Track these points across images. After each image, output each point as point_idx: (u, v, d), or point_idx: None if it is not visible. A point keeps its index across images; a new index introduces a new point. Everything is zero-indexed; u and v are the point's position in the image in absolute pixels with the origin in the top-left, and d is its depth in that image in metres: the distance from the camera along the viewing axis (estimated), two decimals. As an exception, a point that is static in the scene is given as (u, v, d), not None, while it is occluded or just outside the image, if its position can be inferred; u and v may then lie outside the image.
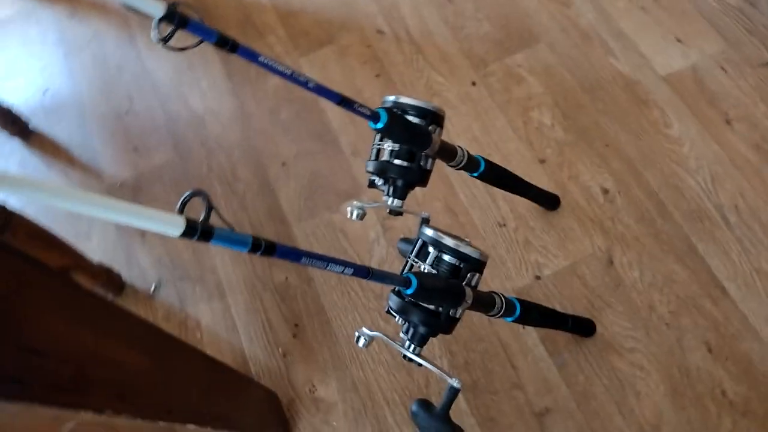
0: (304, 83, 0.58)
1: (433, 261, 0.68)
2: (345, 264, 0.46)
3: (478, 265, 0.68)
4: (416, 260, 0.69)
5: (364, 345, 0.69)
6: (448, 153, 0.78)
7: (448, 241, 0.67)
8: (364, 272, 0.48)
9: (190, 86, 1.42)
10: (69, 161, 1.37)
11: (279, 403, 1.07)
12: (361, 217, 0.73)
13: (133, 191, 1.32)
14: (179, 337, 1.17)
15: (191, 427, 0.66)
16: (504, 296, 0.73)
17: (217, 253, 1.23)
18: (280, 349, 1.12)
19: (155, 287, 1.21)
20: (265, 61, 0.54)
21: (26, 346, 0.42)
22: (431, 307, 0.65)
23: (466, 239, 0.72)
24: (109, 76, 1.48)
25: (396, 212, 0.78)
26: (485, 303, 0.68)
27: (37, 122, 1.42)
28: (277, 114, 1.36)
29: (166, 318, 1.19)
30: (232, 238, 0.36)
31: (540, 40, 1.33)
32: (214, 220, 0.44)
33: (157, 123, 1.40)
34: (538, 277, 1.11)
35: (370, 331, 0.69)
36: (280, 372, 1.11)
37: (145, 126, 1.39)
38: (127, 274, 1.23)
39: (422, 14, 1.41)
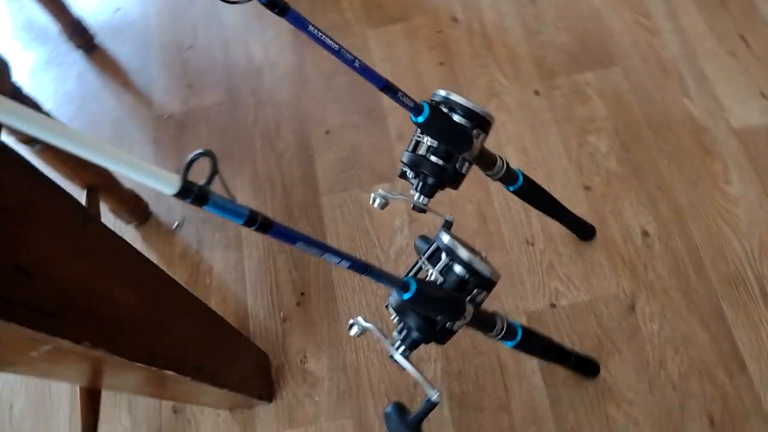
0: (351, 62, 0.56)
1: (443, 268, 0.65)
2: (343, 256, 0.44)
3: (487, 283, 0.65)
4: (426, 263, 0.67)
5: (356, 334, 0.68)
6: (486, 161, 0.75)
7: (462, 253, 0.64)
8: (361, 268, 0.46)
9: (255, 35, 1.42)
10: (124, 83, 1.39)
11: (269, 365, 1.08)
12: (383, 206, 0.72)
13: (178, 126, 1.33)
14: (190, 278, 1.19)
15: (170, 373, 0.66)
16: (507, 320, 0.71)
17: (244, 203, 1.23)
18: (281, 313, 1.13)
19: (178, 224, 1.22)
20: (314, 32, 0.52)
21: (15, 264, 0.42)
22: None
23: (482, 253, 0.70)
24: (179, 8, 1.49)
25: (420, 209, 0.76)
26: (485, 323, 0.66)
27: (102, 38, 1.45)
28: (333, 81, 1.34)
29: (182, 256, 1.21)
30: (227, 208, 0.35)
31: (617, 63, 1.27)
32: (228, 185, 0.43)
33: (216, 64, 1.40)
34: (553, 305, 1.07)
35: (366, 321, 0.68)
36: (276, 335, 1.11)
37: (203, 64, 1.40)
38: (154, 205, 1.25)
39: (501, 10, 1.36)
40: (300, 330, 1.11)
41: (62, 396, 1.09)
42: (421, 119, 0.61)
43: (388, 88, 0.58)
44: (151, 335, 0.63)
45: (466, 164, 0.74)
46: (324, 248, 0.42)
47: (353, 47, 1.36)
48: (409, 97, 0.60)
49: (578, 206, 1.12)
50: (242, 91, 1.35)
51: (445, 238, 0.66)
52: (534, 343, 0.77)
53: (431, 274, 0.66)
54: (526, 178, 0.84)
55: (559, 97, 1.25)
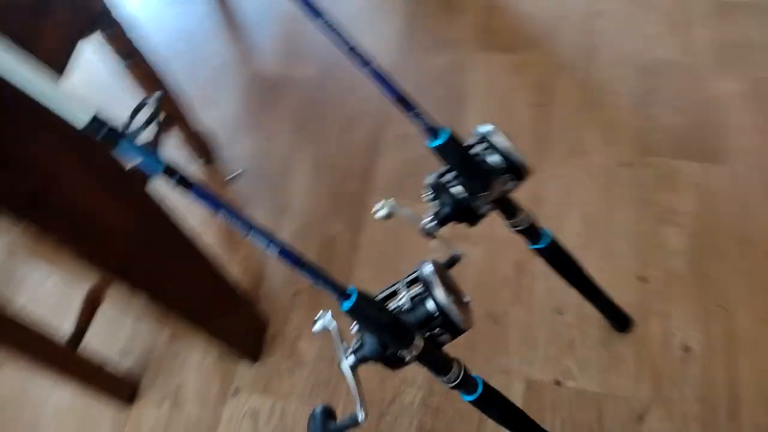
0: (364, 63, 0.55)
1: (415, 296, 0.63)
2: (272, 240, 0.44)
3: (453, 329, 0.62)
4: (404, 286, 0.65)
5: (316, 331, 0.67)
6: (507, 208, 0.72)
7: (438, 292, 0.61)
8: (294, 260, 0.45)
9: (369, 25, 1.45)
10: (237, 36, 1.48)
11: (265, 330, 1.10)
12: (386, 217, 0.71)
13: (268, 88, 1.40)
14: (226, 227, 1.24)
15: (143, 296, 0.70)
16: (467, 371, 0.67)
17: (301, 177, 1.27)
18: (295, 288, 1.15)
19: (236, 174, 1.28)
20: (328, 23, 0.52)
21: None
22: (382, 335, 0.61)
23: (467, 297, 0.66)
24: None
25: (427, 234, 0.74)
26: (438, 365, 0.63)
27: (236, -11, 1.55)
28: (426, 90, 1.34)
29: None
30: (142, 154, 0.35)
31: (725, 163, 1.14)
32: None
33: (323, 42, 1.43)
34: (558, 383, 1.00)
35: (331, 319, 0.67)
36: (282, 306, 1.13)
37: (311, 39, 1.46)
38: (225, 151, 1.32)
39: (621, 71, 1.28)
40: (305, 309, 1.13)
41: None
42: (435, 144, 0.59)
43: (402, 101, 0.56)
44: (130, 254, 0.66)
45: (487, 206, 0.71)
46: (249, 226, 0.42)
47: (453, 63, 1.36)
48: (426, 119, 0.59)
49: (625, 295, 1.03)
50: (337, 74, 1.39)
51: (427, 270, 0.64)
52: (496, 406, 0.72)
53: (402, 298, 0.64)
54: (554, 241, 0.79)
55: (648, 176, 1.16)
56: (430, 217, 0.73)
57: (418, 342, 0.59)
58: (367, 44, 1.39)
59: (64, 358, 0.85)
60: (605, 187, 1.16)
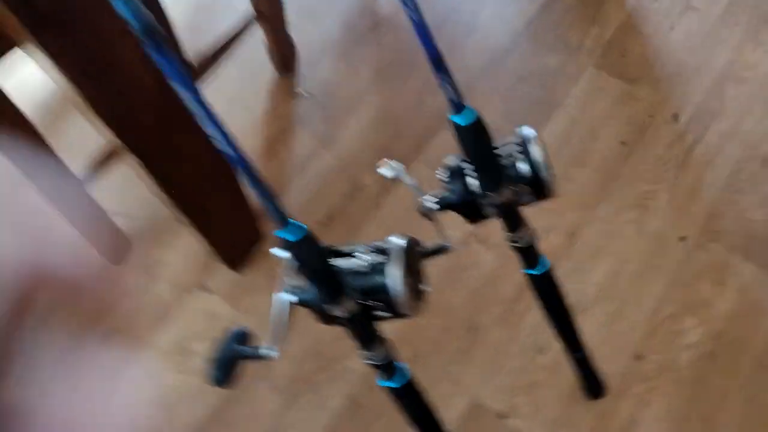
0: (413, 9, 0.50)
1: (376, 264, 0.61)
2: (231, 144, 0.42)
3: (394, 311, 0.60)
4: (367, 251, 0.63)
5: (273, 252, 0.66)
6: (511, 219, 0.67)
7: (393, 270, 0.59)
8: (246, 168, 0.44)
9: (498, 3, 1.38)
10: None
11: (254, 244, 1.10)
12: (389, 178, 0.68)
13: (369, 25, 1.36)
14: (270, 135, 1.24)
15: (138, 164, 0.71)
16: (394, 357, 0.65)
17: (360, 119, 1.25)
18: (301, 219, 1.15)
19: (305, 94, 1.28)
20: None
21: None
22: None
23: (427, 286, 0.63)
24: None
25: (424, 213, 0.71)
26: (363, 335, 0.61)
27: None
28: (523, 84, 1.27)
29: (280, 116, 1.27)
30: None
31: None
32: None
33: (449, 4, 1.39)
34: (501, 416, 0.96)
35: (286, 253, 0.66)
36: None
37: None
38: (305, 70, 1.31)
39: (728, 146, 1.15)
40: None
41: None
42: (456, 120, 0.56)
43: (437, 63, 0.52)
44: (139, 116, 0.67)
45: (492, 209, 0.66)
46: (209, 117, 0.40)
47: (564, 68, 1.28)
48: (456, 90, 0.55)
49: (612, 364, 0.97)
50: (442, 37, 1.32)
51: (398, 245, 0.61)
52: (410, 404, 0.70)
53: (363, 260, 0.62)
54: (549, 272, 0.74)
55: (699, 260, 1.06)
56: (434, 198, 0.69)
57: (350, 305, 0.57)
58: (486, 19, 1.34)
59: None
60: (649, 252, 1.07)
